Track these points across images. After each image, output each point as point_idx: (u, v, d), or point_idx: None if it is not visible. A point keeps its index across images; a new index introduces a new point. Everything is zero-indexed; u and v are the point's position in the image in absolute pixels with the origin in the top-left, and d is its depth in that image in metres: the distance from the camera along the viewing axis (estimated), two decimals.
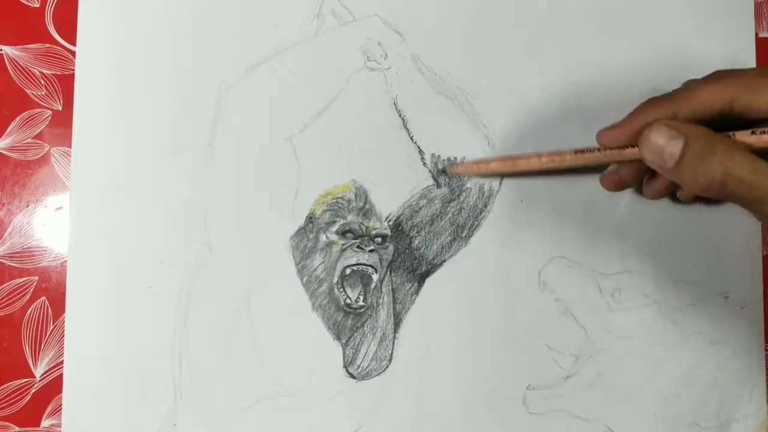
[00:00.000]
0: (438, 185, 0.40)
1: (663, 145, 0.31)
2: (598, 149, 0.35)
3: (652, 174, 0.37)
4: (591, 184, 0.41)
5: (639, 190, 0.40)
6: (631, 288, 0.40)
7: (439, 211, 0.40)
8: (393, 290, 0.40)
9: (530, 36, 0.41)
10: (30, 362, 0.38)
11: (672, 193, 0.39)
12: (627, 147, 0.34)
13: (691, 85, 0.33)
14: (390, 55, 0.40)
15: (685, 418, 0.40)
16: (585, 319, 0.40)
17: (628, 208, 0.41)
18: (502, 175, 0.40)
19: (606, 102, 0.41)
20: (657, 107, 0.33)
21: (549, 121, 0.41)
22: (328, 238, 0.40)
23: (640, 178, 0.37)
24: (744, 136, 0.31)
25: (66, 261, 0.38)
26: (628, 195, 0.41)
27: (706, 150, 0.30)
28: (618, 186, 0.38)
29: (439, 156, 0.40)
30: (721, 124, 0.32)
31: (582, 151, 0.36)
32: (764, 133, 0.31)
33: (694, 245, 0.41)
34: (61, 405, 0.38)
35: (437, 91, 0.41)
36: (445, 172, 0.40)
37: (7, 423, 0.38)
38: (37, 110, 0.40)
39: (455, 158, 0.40)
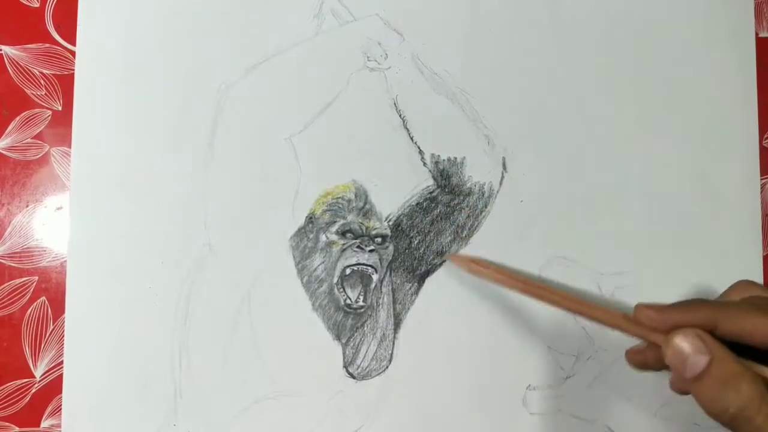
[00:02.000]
0: (438, 185, 0.40)
1: (687, 354, 0.30)
2: (624, 316, 0.33)
3: None
4: (591, 185, 0.41)
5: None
6: (631, 288, 0.40)
7: (440, 211, 0.40)
8: (393, 290, 0.40)
9: (530, 36, 0.41)
10: (30, 362, 0.38)
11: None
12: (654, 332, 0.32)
13: (745, 307, 0.31)
14: (390, 55, 0.40)
15: (685, 418, 0.40)
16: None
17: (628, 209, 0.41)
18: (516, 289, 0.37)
19: (606, 102, 0.41)
20: (703, 311, 0.31)
21: (549, 121, 0.41)
22: (328, 238, 0.40)
23: (664, 367, 0.34)
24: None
25: (66, 261, 0.38)
26: (628, 196, 0.41)
27: (728, 379, 0.29)
28: (641, 366, 0.35)
29: (439, 156, 0.40)
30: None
31: (601, 310, 0.33)
32: None
33: (694, 245, 0.41)
34: (61, 405, 0.38)
35: (437, 91, 0.41)
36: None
37: (7, 423, 0.38)
38: (37, 110, 0.40)
39: (455, 158, 0.40)
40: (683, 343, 0.30)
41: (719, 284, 0.41)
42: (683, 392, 0.34)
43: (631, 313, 0.32)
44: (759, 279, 0.41)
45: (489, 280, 0.37)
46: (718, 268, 0.41)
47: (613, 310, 0.33)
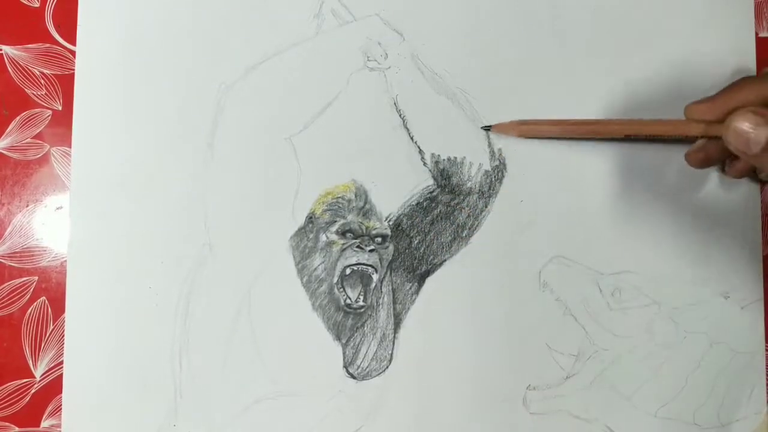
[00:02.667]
0: (438, 185, 0.40)
1: (748, 131, 0.31)
2: (680, 121, 0.35)
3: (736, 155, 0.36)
4: (592, 182, 0.41)
5: (722, 169, 0.40)
6: (631, 288, 0.40)
7: (440, 211, 0.40)
8: (393, 290, 0.40)
9: (530, 36, 0.41)
10: (30, 362, 0.38)
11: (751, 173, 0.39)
12: (713, 123, 0.33)
13: None
14: (390, 54, 0.40)
15: (685, 418, 0.40)
16: (585, 319, 0.40)
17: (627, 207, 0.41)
18: (576, 138, 0.39)
19: (606, 102, 0.41)
20: (750, 88, 0.32)
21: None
22: (328, 237, 0.40)
23: (725, 157, 0.37)
24: None
25: (66, 261, 0.38)
26: (627, 194, 0.41)
27: None
28: (703, 163, 0.37)
29: (439, 156, 0.40)
30: None
31: (664, 123, 0.35)
32: None
33: (694, 245, 0.41)
34: (61, 405, 0.38)
35: (437, 91, 0.41)
36: (489, 129, 0.40)
37: (7, 423, 0.38)
38: (37, 110, 0.40)
39: (455, 158, 0.40)
40: (742, 124, 0.31)
41: (719, 285, 0.41)
42: (744, 174, 0.37)
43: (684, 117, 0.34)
44: (759, 279, 0.41)
45: (542, 136, 0.38)
46: (718, 268, 0.41)
47: (667, 120, 0.35)
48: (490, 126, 0.40)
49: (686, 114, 0.35)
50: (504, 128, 0.39)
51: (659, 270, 0.41)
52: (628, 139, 0.38)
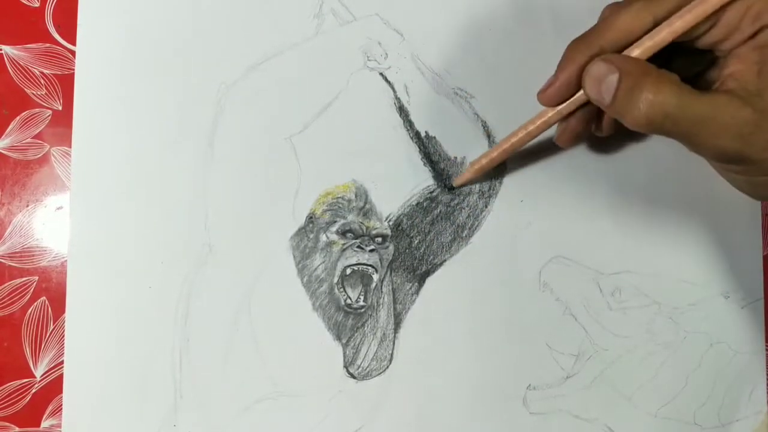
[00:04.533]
0: (438, 185, 0.40)
1: (600, 80, 0.30)
2: (544, 111, 0.35)
3: (599, 112, 0.36)
4: (592, 182, 0.41)
5: (594, 133, 0.38)
6: (631, 288, 0.41)
7: (440, 211, 0.40)
8: (393, 290, 0.40)
9: (530, 35, 0.41)
10: (30, 362, 0.38)
11: None
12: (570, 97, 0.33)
13: (608, 13, 0.32)
14: (390, 54, 0.40)
15: (686, 418, 0.40)
16: (585, 319, 0.40)
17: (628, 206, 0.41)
18: (495, 168, 0.39)
19: None
20: (583, 48, 0.32)
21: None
22: (328, 237, 0.40)
23: (590, 122, 0.36)
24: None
25: (66, 261, 0.38)
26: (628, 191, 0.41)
27: (635, 84, 0.29)
28: (574, 139, 0.36)
29: (439, 155, 0.40)
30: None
31: (533, 122, 0.35)
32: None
33: (694, 245, 0.41)
34: (61, 405, 0.38)
35: (437, 90, 0.41)
36: (452, 189, 0.40)
37: (7, 423, 0.38)
38: (37, 110, 0.40)
39: (455, 158, 0.40)
40: (595, 73, 0.31)
41: (720, 284, 0.41)
42: (613, 128, 0.36)
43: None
44: (759, 279, 0.41)
45: (493, 165, 0.38)
46: (718, 268, 0.41)
47: (535, 120, 0.35)
48: (452, 186, 0.40)
49: (542, 103, 0.34)
50: (463, 178, 0.39)
51: (659, 270, 0.41)
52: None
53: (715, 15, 0.30)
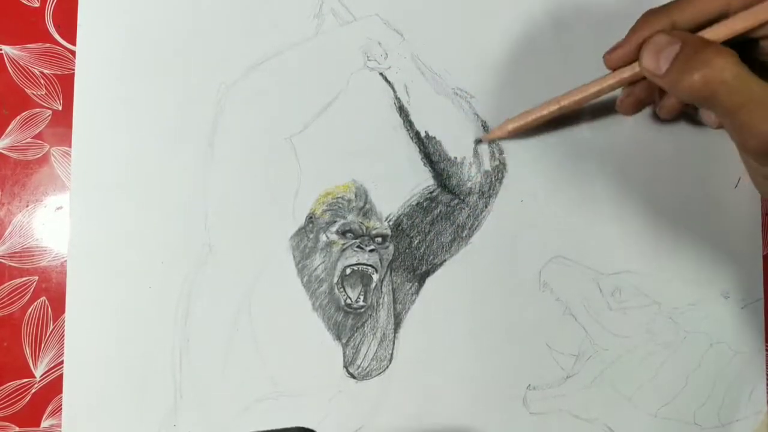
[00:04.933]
0: (438, 185, 0.40)
1: (661, 52, 0.31)
2: (607, 76, 0.35)
3: (662, 92, 0.36)
4: (592, 182, 0.41)
5: (655, 114, 0.40)
6: (631, 288, 0.41)
7: (440, 211, 0.40)
8: (393, 290, 0.40)
9: (530, 35, 0.41)
10: (30, 362, 0.38)
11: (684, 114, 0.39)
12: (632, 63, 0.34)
13: None
14: (390, 54, 0.40)
15: (686, 418, 0.40)
16: (585, 319, 0.40)
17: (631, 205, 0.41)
18: (526, 130, 0.39)
19: (606, 101, 0.41)
20: (656, 19, 0.33)
21: (549, 121, 0.41)
22: (328, 237, 0.40)
23: (653, 95, 0.37)
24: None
25: (66, 261, 0.38)
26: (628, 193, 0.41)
27: (695, 51, 0.30)
28: (635, 107, 0.37)
29: (439, 155, 0.40)
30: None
31: (592, 84, 0.36)
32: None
33: (694, 245, 0.41)
34: (61, 405, 0.38)
35: (437, 90, 0.40)
36: (479, 142, 0.40)
37: (7, 423, 0.38)
38: (37, 110, 0.40)
39: (455, 158, 0.40)
40: (656, 46, 0.32)
41: (720, 284, 0.41)
42: (674, 111, 0.36)
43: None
44: (759, 279, 0.41)
45: (529, 127, 0.38)
46: (718, 268, 0.41)
47: (598, 80, 0.35)
48: (480, 139, 0.40)
49: (606, 64, 0.35)
50: (495, 133, 0.39)
51: (659, 270, 0.41)
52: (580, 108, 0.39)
53: None
